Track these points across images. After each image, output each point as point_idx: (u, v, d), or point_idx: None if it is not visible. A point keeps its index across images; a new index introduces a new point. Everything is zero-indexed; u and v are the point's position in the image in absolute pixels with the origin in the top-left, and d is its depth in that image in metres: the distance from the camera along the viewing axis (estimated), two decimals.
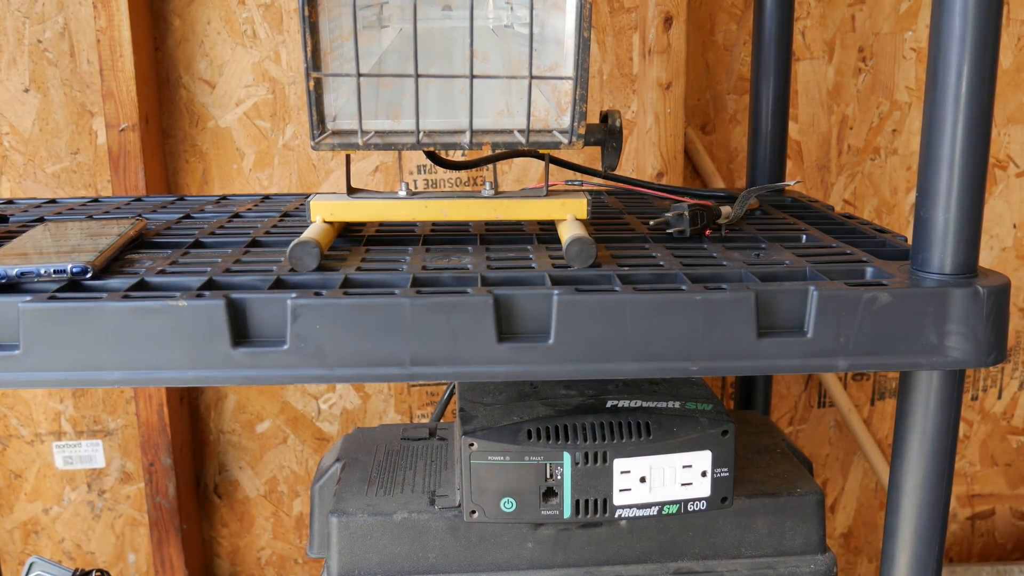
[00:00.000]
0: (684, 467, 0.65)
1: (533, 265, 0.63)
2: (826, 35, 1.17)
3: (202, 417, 1.25)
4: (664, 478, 0.65)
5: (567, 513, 0.65)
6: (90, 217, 0.81)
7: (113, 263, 0.64)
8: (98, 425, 1.23)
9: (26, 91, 1.13)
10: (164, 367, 0.54)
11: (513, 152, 0.71)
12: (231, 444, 1.26)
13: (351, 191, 0.68)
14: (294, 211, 0.85)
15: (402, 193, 0.68)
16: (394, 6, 0.62)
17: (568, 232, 0.63)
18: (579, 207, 0.67)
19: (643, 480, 0.65)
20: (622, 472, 0.64)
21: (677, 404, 0.68)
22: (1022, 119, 1.22)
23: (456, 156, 1.11)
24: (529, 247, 0.70)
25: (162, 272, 0.61)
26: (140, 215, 0.82)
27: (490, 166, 0.75)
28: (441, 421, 0.88)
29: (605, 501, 0.65)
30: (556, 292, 0.55)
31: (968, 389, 1.32)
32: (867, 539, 1.39)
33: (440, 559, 0.67)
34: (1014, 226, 1.26)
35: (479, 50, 0.62)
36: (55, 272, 0.57)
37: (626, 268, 0.62)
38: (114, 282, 0.59)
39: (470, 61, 0.61)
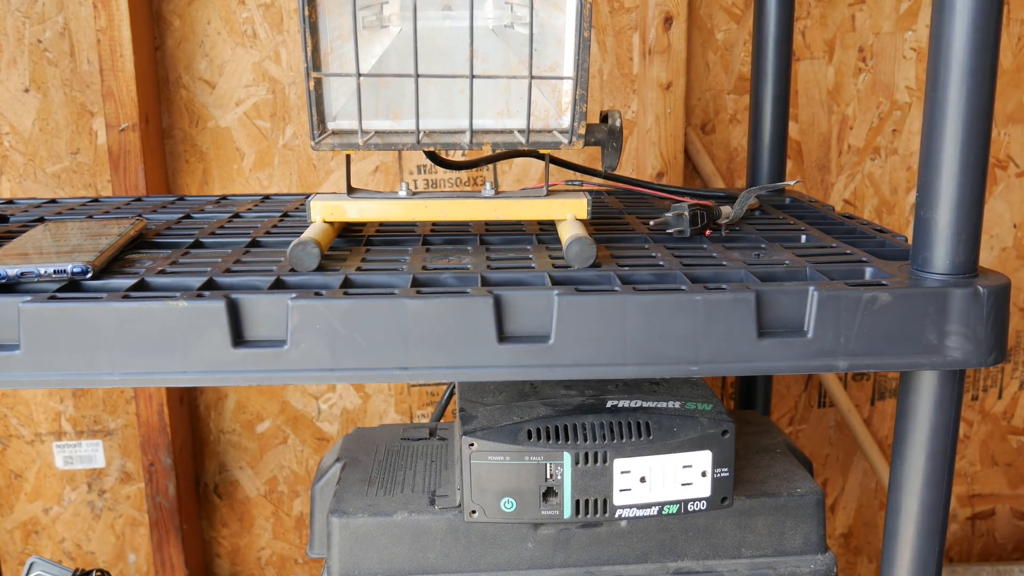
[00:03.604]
0: (684, 467, 0.65)
1: (533, 265, 0.63)
2: (826, 35, 1.17)
3: (202, 417, 1.25)
4: (664, 478, 0.65)
5: (567, 513, 0.65)
6: (90, 217, 0.81)
7: (113, 263, 0.64)
8: (98, 425, 1.23)
9: (26, 91, 1.13)
10: (164, 367, 0.54)
11: (513, 152, 0.71)
12: (231, 444, 1.26)
13: (351, 191, 0.68)
14: (294, 211, 0.85)
15: (402, 193, 0.68)
16: (394, 6, 0.62)
17: (568, 232, 0.63)
18: (579, 207, 0.67)
19: (643, 480, 0.65)
20: (622, 472, 0.64)
21: (677, 404, 0.68)
22: (1022, 119, 1.22)
23: (456, 156, 1.11)
24: (529, 247, 0.70)
25: (162, 272, 0.61)
26: (140, 215, 0.82)
27: (490, 166, 0.75)
28: (441, 421, 0.88)
29: (605, 501, 0.65)
30: (556, 292, 0.55)
31: (968, 389, 1.32)
32: (867, 539, 1.39)
33: (440, 559, 0.67)
34: (1014, 226, 1.26)
35: (479, 50, 0.62)
36: (55, 272, 0.57)
37: (626, 268, 0.62)
38: (114, 282, 0.59)
39: (470, 61, 0.61)
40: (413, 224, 0.78)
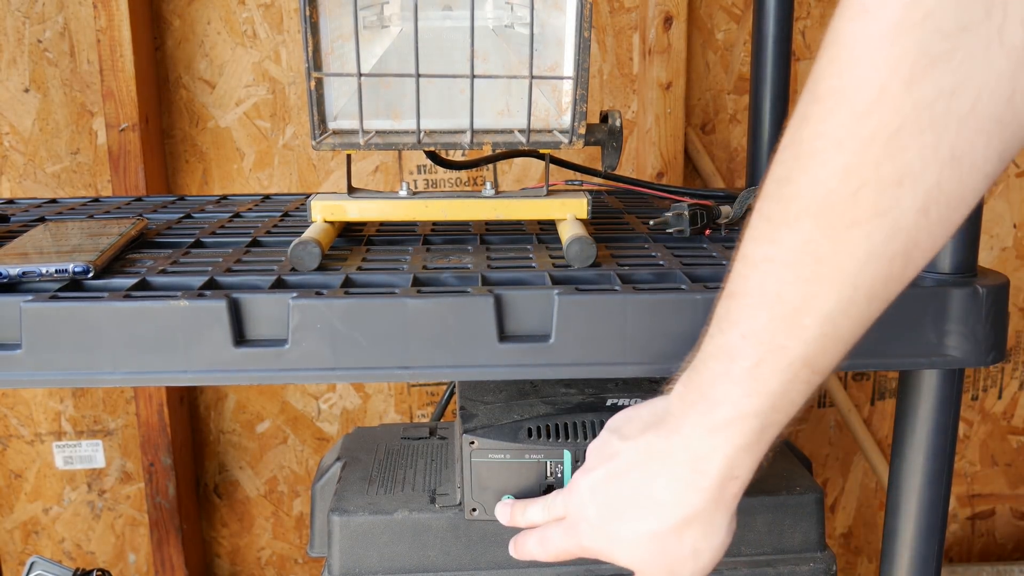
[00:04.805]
0: None
1: (533, 265, 0.63)
2: (823, 38, 1.18)
3: (202, 417, 1.25)
4: None
5: None
6: (91, 217, 0.81)
7: (114, 263, 0.64)
8: (98, 425, 1.23)
9: (26, 91, 1.13)
10: (164, 367, 0.54)
11: (513, 152, 0.71)
12: (231, 444, 1.26)
13: (351, 191, 0.69)
14: (294, 211, 0.85)
15: (403, 193, 0.68)
16: (395, 6, 0.63)
17: (568, 232, 0.64)
18: (579, 207, 0.67)
19: None
20: None
21: None
22: None
23: (456, 156, 1.11)
24: (529, 247, 0.70)
25: (163, 272, 0.61)
26: (140, 215, 0.82)
27: (490, 166, 0.75)
28: (441, 420, 0.88)
29: None
30: (557, 292, 0.55)
31: (968, 389, 1.33)
32: (867, 539, 1.39)
33: (441, 557, 0.67)
34: (1014, 226, 1.26)
35: (479, 50, 0.62)
36: (56, 272, 0.57)
37: (626, 268, 0.62)
38: (115, 282, 0.59)
39: (470, 61, 0.61)
40: (413, 224, 0.78)
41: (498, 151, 0.67)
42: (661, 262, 0.64)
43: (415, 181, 1.19)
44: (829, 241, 0.40)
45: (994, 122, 0.36)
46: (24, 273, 0.57)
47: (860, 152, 0.38)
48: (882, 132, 0.37)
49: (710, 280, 0.60)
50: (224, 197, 0.94)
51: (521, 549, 0.59)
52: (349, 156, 0.69)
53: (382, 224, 0.78)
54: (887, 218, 0.38)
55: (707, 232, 0.73)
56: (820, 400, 1.31)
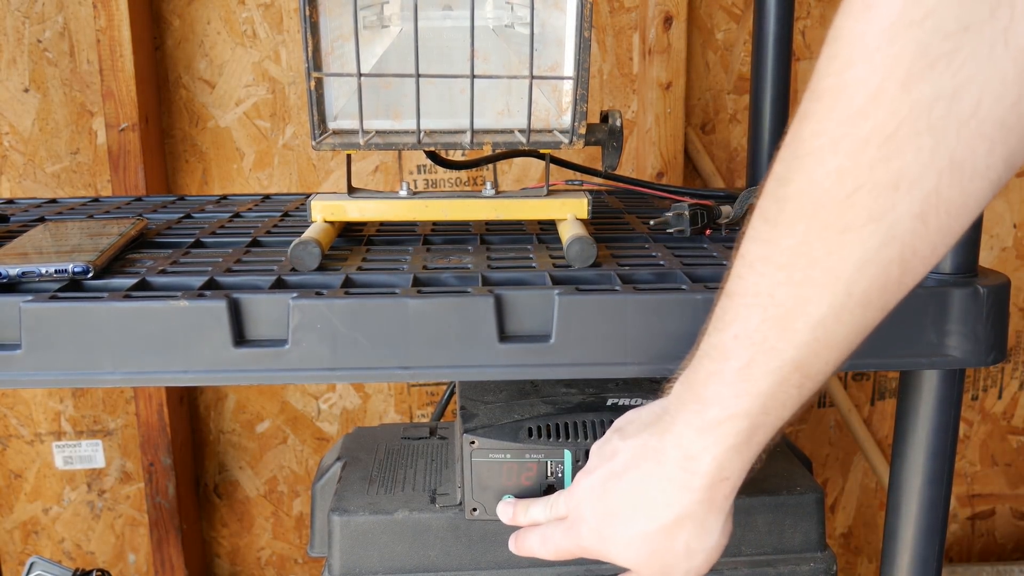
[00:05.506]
0: None
1: (534, 265, 0.63)
2: (826, 35, 1.17)
3: (202, 417, 1.25)
4: None
5: None
6: (90, 217, 0.81)
7: (114, 263, 0.64)
8: (98, 425, 1.23)
9: (26, 91, 1.13)
10: (164, 367, 0.54)
11: (513, 152, 0.71)
12: (231, 444, 1.26)
13: (352, 191, 0.69)
14: (294, 211, 0.85)
15: (403, 193, 0.68)
16: (395, 6, 0.63)
17: (568, 232, 0.64)
18: (579, 207, 0.67)
19: None
20: None
21: None
22: None
23: (456, 156, 1.11)
24: (529, 247, 0.70)
25: (163, 272, 0.61)
26: (140, 215, 0.82)
27: (490, 166, 0.75)
28: (441, 421, 0.88)
29: None
30: (557, 292, 0.55)
31: (968, 389, 1.33)
32: (867, 539, 1.39)
33: (441, 557, 0.67)
34: (1014, 226, 1.26)
35: (480, 50, 0.62)
36: (56, 272, 0.57)
37: (626, 268, 0.62)
38: (115, 282, 0.59)
39: (471, 61, 0.61)
40: (414, 224, 0.78)
41: (498, 151, 0.67)
42: (661, 262, 0.64)
43: (415, 181, 1.19)
44: (823, 244, 0.39)
45: (998, 127, 0.35)
46: (24, 273, 0.57)
47: (855, 154, 0.37)
48: (878, 134, 0.36)
49: (710, 280, 0.60)
50: (224, 197, 0.94)
51: (522, 545, 0.59)
52: (349, 156, 0.69)
53: (382, 224, 0.78)
54: (882, 223, 0.38)
55: (707, 232, 0.73)
56: (820, 400, 1.31)
